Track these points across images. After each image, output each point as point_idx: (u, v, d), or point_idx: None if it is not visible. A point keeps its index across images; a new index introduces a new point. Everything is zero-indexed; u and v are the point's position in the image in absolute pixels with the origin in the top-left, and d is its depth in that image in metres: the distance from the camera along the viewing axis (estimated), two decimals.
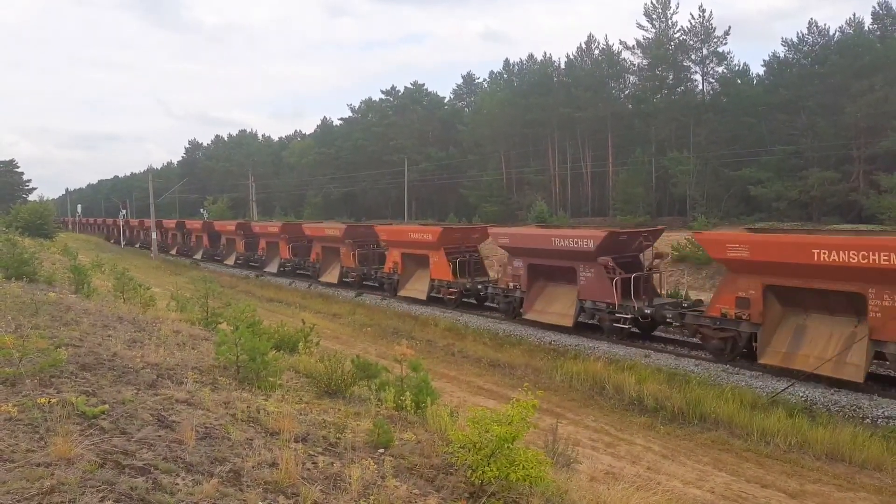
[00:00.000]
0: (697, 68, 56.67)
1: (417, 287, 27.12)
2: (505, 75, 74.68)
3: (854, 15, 57.96)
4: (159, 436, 4.74)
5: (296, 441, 5.28)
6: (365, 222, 45.80)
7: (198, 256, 51.70)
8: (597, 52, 64.83)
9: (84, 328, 9.06)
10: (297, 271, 37.51)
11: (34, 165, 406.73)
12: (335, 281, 32.88)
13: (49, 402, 4.97)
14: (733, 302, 15.50)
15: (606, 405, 14.55)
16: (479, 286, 24.34)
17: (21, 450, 4.10)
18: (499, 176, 66.11)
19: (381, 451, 5.65)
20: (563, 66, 66.91)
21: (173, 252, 57.94)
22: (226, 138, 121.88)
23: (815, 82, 49.39)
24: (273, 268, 39.43)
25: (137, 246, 68.26)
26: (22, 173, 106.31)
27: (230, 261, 45.91)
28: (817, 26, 52.94)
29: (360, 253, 31.66)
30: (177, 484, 3.96)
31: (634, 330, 19.04)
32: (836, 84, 47.15)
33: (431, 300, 26.25)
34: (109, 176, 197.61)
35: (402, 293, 27.72)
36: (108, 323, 10.12)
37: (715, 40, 55.04)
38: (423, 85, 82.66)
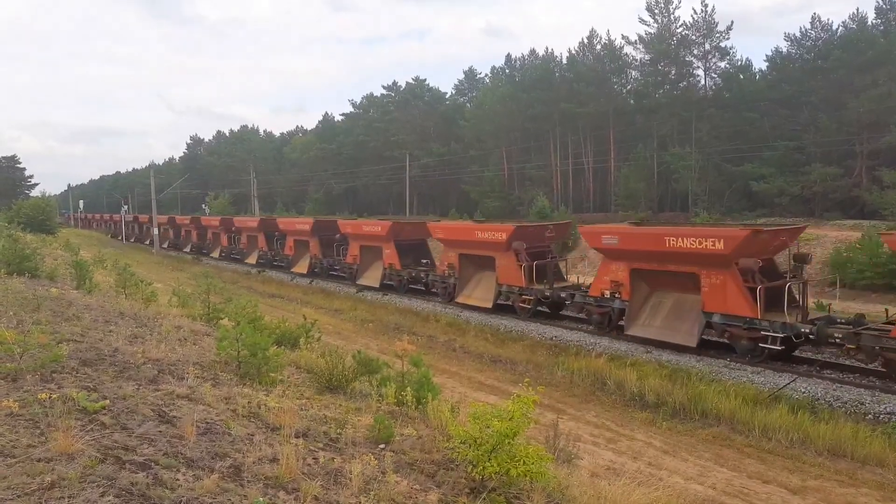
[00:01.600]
0: (700, 63, 56.30)
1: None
2: (506, 70, 74.33)
3: (857, 10, 57.46)
4: (160, 431, 4.74)
5: (296, 436, 5.29)
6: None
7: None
8: (599, 47, 64.51)
9: (85, 324, 9.07)
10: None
11: (36, 160, 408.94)
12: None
13: (50, 397, 4.97)
14: None
15: (608, 401, 14.55)
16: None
17: (22, 445, 4.10)
18: (500, 171, 66.02)
19: (382, 446, 5.66)
20: (564, 61, 66.62)
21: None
22: (227, 133, 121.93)
23: (817, 77, 49.14)
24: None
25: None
26: (24, 169, 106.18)
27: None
28: (820, 21, 52.67)
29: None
30: (177, 479, 3.96)
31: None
32: (838, 79, 46.93)
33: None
34: (111, 171, 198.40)
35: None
36: (110, 318, 10.13)
37: (717, 35, 54.66)
38: (425, 80, 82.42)
